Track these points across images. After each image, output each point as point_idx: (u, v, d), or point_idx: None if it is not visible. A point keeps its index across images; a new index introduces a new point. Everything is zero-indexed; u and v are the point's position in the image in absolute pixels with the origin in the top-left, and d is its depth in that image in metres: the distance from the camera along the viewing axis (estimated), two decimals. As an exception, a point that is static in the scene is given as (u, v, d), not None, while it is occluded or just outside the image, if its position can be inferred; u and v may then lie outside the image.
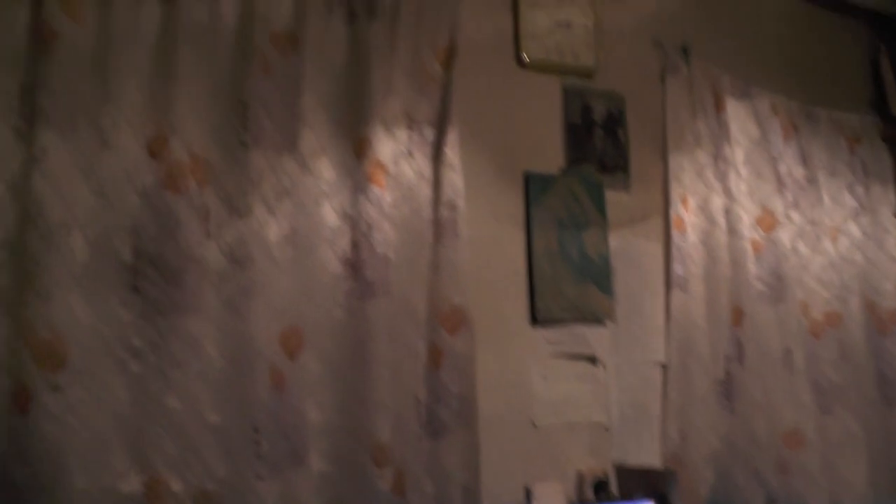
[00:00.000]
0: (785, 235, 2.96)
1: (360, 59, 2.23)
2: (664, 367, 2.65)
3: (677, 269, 2.70)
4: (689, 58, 2.91)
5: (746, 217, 2.88)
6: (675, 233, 2.72)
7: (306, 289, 2.08)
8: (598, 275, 2.54)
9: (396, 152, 2.23)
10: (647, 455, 2.58)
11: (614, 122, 2.70)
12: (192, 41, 2.03)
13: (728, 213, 2.84)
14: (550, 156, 2.58)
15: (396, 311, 2.16)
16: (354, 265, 2.14)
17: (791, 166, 3.07)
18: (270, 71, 2.11)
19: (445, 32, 2.36)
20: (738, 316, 2.78)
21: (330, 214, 2.13)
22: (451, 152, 2.29)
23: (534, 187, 2.49)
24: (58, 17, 1.87)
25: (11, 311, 1.78)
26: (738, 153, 2.94)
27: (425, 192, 2.26)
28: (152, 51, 1.99)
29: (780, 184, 3.02)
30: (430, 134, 2.30)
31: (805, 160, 3.12)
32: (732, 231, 2.83)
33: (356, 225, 2.15)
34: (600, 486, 2.40)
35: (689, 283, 2.70)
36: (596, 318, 2.53)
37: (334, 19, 2.23)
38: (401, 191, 2.22)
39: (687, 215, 2.75)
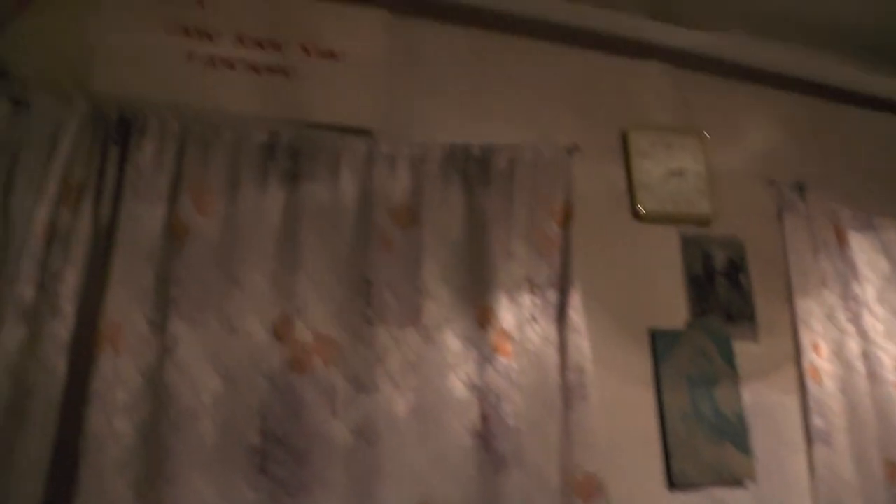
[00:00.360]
0: (934, 376, 2.75)
1: (478, 227, 2.22)
2: (814, 529, 2.46)
3: (817, 421, 2.51)
4: (804, 194, 2.81)
5: (887, 359, 2.68)
6: (810, 383, 2.55)
7: (436, 463, 2.02)
8: (734, 433, 2.40)
9: (520, 319, 2.18)
10: None
11: (736, 269, 2.62)
12: (315, 223, 2.07)
13: (866, 356, 2.66)
14: (674, 310, 2.50)
15: (529, 481, 2.07)
16: (484, 437, 2.07)
17: (930, 298, 2.88)
18: (391, 246, 2.12)
19: (560, 192, 2.34)
20: (892, 470, 2.55)
21: (457, 386, 2.09)
22: (576, 315, 2.22)
23: (660, 344, 2.41)
24: (190, 212, 1.96)
25: (141, 495, 1.78)
26: (868, 290, 2.77)
27: (552, 357, 2.19)
28: (276, 235, 2.04)
29: (921, 319, 2.83)
30: (552, 297, 2.24)
31: (944, 290, 2.92)
32: (873, 376, 2.64)
33: (484, 396, 2.09)
34: None
35: (831, 436, 2.50)
36: (735, 480, 2.37)
37: (451, 189, 2.24)
38: (527, 358, 2.16)
39: (821, 363, 2.58)
